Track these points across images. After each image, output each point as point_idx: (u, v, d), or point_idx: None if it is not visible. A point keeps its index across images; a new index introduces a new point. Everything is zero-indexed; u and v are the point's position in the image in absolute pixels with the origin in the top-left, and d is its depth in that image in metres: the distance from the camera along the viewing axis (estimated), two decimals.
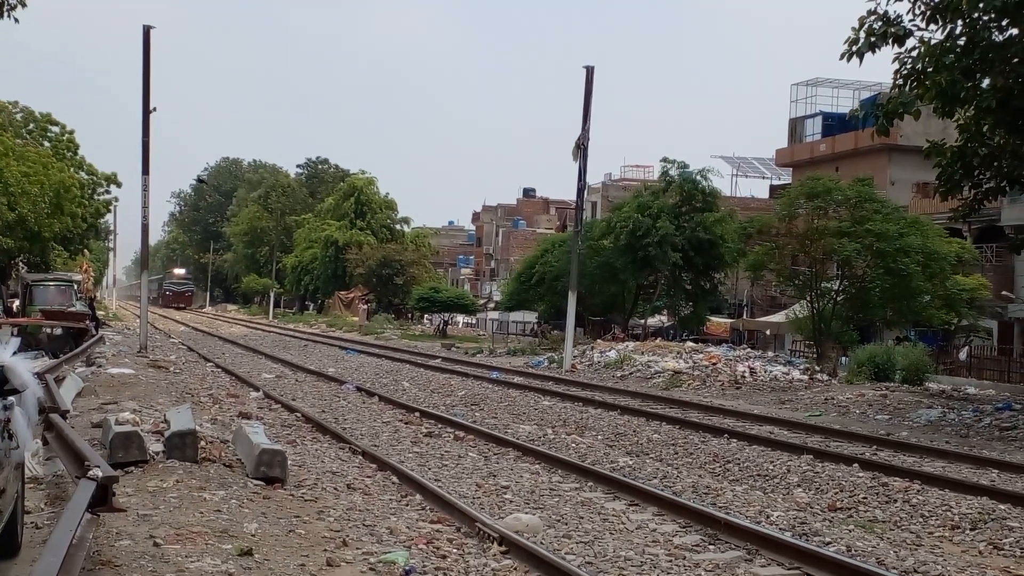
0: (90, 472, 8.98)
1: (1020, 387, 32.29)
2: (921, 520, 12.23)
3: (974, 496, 13.14)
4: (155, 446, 12.49)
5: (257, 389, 24.89)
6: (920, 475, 14.62)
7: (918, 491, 13.51)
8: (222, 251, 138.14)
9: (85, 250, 69.99)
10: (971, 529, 11.73)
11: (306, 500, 11.62)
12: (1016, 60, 20.88)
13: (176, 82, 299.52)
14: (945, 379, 33.70)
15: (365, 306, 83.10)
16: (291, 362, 35.78)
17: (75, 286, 44.27)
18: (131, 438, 12.14)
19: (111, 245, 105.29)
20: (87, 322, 39.59)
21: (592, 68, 37.65)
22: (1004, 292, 46.22)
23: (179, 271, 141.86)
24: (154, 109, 37.06)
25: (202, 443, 12.73)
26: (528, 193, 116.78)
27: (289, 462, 12.86)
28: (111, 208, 72.81)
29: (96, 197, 67.37)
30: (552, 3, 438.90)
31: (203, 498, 10.78)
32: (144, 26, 36.91)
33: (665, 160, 51.38)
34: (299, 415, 19.99)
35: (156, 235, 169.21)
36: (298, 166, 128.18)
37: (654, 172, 65.19)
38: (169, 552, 8.60)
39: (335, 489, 12.48)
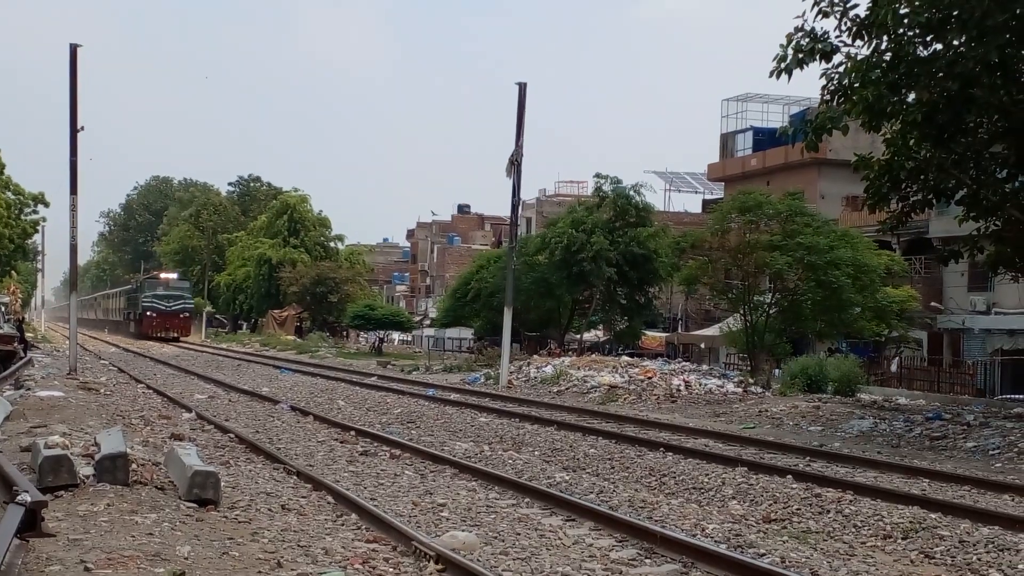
0: (18, 497, 8.86)
1: (950, 397, 32.81)
2: (854, 530, 12.36)
3: (906, 505, 13.30)
4: (85, 469, 12.33)
5: (189, 410, 24.61)
6: (853, 485, 14.77)
7: (851, 501, 13.65)
8: (152, 271, 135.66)
9: (13, 271, 68.97)
10: (903, 538, 11.86)
11: (240, 522, 11.50)
12: (940, 75, 21.22)
13: (105, 100, 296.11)
14: (876, 390, 34.14)
15: (348, 334, 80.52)
16: (224, 382, 35.45)
17: (2, 308, 43.59)
18: (61, 462, 11.97)
19: (39, 266, 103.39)
20: (15, 344, 38.98)
21: (524, 85, 37.79)
22: (933, 303, 46.96)
23: (169, 275, 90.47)
24: (82, 128, 36.58)
25: (134, 466, 12.57)
26: (463, 209, 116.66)
27: (222, 483, 12.71)
28: (39, 228, 71.82)
29: (23, 217, 66.43)
30: (483, 22, 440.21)
31: (135, 521, 10.63)
32: (71, 45, 36.42)
33: (599, 176, 51.63)
34: (232, 436, 19.80)
35: (85, 255, 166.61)
36: (230, 184, 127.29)
37: (588, 188, 65.40)
38: None
39: (269, 510, 12.37)
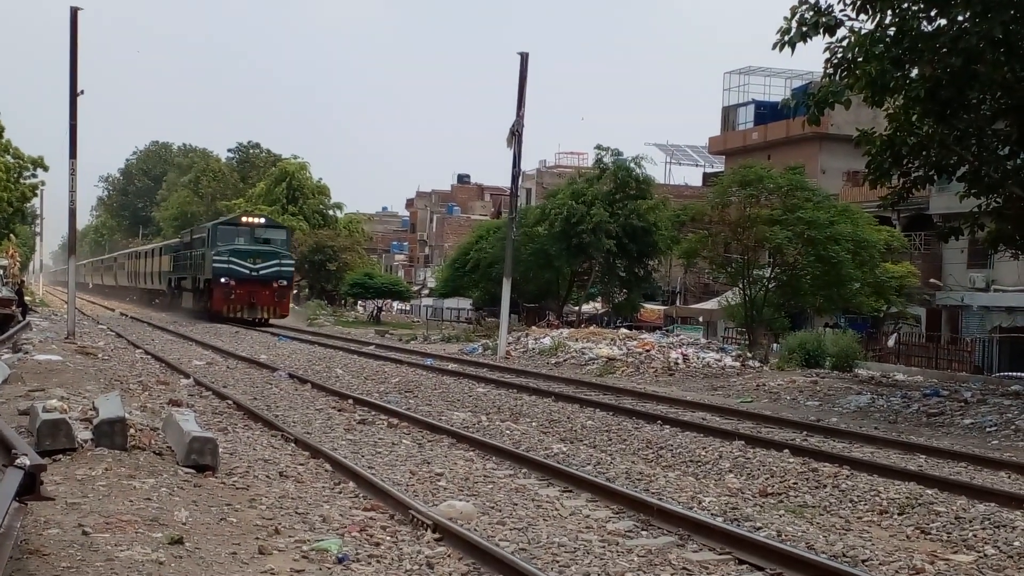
0: (17, 460, 8.84)
1: (947, 373, 32.78)
2: (850, 505, 12.38)
3: (902, 481, 13.31)
4: (84, 434, 12.32)
5: (188, 376, 24.60)
6: (849, 460, 14.78)
7: (847, 476, 13.66)
8: (151, 236, 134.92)
9: (11, 235, 68.80)
10: (899, 514, 11.88)
11: (238, 488, 11.52)
12: (944, 50, 21.14)
13: (105, 63, 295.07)
14: (874, 365, 34.12)
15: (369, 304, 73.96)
16: (222, 349, 35.42)
17: (1, 272, 43.53)
18: (59, 426, 11.96)
19: (38, 230, 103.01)
20: (13, 308, 38.97)
21: (526, 55, 37.61)
22: (932, 280, 46.96)
23: (255, 219, 59.94)
24: (82, 92, 36.47)
25: (131, 431, 12.56)
26: (462, 179, 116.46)
27: (220, 450, 12.74)
28: (38, 192, 71.57)
29: (22, 181, 66.18)
30: None
31: (133, 486, 10.65)
32: (71, 7, 36.24)
33: (599, 147, 51.64)
34: (230, 402, 19.79)
35: (84, 220, 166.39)
36: (229, 150, 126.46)
37: (588, 159, 65.39)
38: (98, 541, 8.49)
39: (267, 477, 12.39)
